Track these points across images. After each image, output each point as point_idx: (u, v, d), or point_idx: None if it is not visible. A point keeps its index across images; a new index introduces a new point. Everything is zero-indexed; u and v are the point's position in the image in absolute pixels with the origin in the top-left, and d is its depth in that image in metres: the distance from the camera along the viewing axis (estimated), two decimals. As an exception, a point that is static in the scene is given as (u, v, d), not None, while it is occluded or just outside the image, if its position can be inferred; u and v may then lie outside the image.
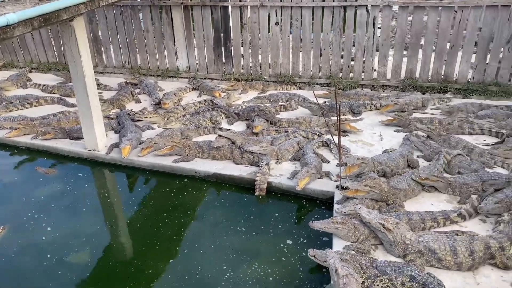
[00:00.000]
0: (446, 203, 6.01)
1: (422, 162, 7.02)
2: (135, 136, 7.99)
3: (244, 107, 9.57)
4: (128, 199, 7.12)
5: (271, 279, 5.16)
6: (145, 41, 12.19)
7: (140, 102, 10.50)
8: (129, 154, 7.61)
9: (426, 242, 4.82)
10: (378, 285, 4.44)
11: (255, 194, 6.72)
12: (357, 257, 4.64)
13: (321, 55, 10.91)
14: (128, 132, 8.11)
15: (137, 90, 11.11)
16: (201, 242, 5.88)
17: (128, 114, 9.23)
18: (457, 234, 5.10)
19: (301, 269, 5.29)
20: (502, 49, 9.64)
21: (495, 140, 7.73)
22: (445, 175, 6.51)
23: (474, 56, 9.97)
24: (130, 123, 8.57)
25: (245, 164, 7.31)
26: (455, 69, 10.11)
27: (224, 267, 5.38)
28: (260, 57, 11.46)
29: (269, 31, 11.10)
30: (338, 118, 6.29)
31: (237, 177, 7.04)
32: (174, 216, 6.52)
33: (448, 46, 9.96)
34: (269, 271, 5.28)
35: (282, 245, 5.74)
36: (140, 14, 12.03)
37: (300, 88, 11.06)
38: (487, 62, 9.83)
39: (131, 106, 10.24)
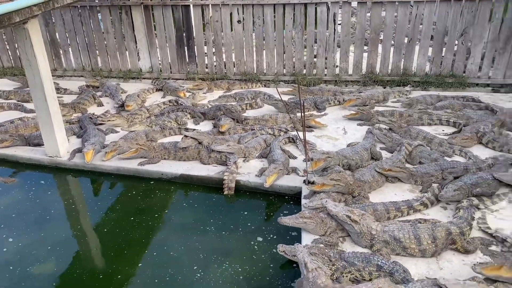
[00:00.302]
0: (409, 192, 6.20)
1: (385, 154, 7.21)
2: (98, 140, 7.80)
3: (209, 106, 9.53)
4: (93, 205, 6.94)
5: (241, 277, 5.17)
6: (105, 42, 11.91)
7: (103, 105, 10.26)
8: (93, 159, 7.42)
9: (391, 232, 4.95)
10: (346, 276, 4.55)
11: (224, 193, 6.71)
12: (326, 250, 4.72)
13: (284, 53, 11.02)
14: (91, 137, 7.91)
15: (99, 93, 10.84)
16: (170, 245, 5.82)
17: (90, 118, 9.00)
18: (420, 222, 5.28)
19: (271, 265, 5.33)
20: (456, 42, 10.03)
21: (453, 129, 8.05)
22: (407, 165, 6.73)
23: (430, 49, 10.33)
24: (92, 127, 8.36)
25: (212, 163, 7.28)
26: (414, 63, 10.46)
27: (195, 268, 5.35)
28: (224, 55, 11.44)
29: (232, 30, 11.09)
30: (303, 114, 6.36)
31: (205, 177, 7.00)
32: (142, 219, 6.41)
33: (406, 40, 10.27)
34: (240, 269, 5.28)
35: (252, 242, 5.76)
36: (99, 15, 11.74)
37: (265, 86, 11.13)
38: (443, 55, 10.22)
39: (93, 109, 9.99)
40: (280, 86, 11.07)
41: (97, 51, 12.10)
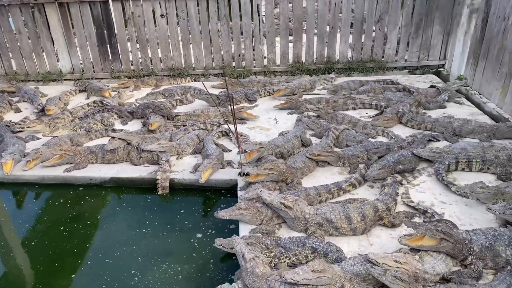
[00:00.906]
0: (338, 175, 6.46)
1: (314, 140, 7.44)
2: (18, 149, 7.27)
3: (137, 105, 9.23)
4: (18, 217, 6.47)
5: (180, 276, 5.10)
6: (18, 44, 11.07)
7: (21, 111, 9.55)
8: (13, 170, 6.90)
9: (323, 214, 5.13)
10: (284, 261, 4.67)
11: (158, 193, 6.57)
12: (263, 239, 4.79)
13: (211, 46, 10.94)
14: (9, 146, 7.35)
15: (15, 99, 10.09)
16: (105, 251, 5.60)
17: (7, 125, 8.34)
18: (349, 202, 5.52)
19: (211, 261, 5.32)
20: (374, 28, 10.57)
21: (375, 112, 8.50)
22: (335, 149, 7.01)
23: (351, 37, 10.79)
24: (10, 136, 7.75)
25: (144, 164, 7.08)
26: (336, 50, 10.87)
27: (133, 272, 5.20)
28: (149, 51, 11.13)
29: (155, 25, 10.80)
30: (233, 107, 6.38)
31: (137, 178, 6.79)
32: (73, 228, 6.10)
33: (328, 29, 10.64)
34: (179, 269, 5.21)
35: (192, 240, 5.70)
36: (9, 15, 10.85)
37: (195, 80, 11.00)
38: (363, 41, 10.72)
39: (10, 116, 9.28)
40: (211, 80, 11.02)
41: (10, 54, 11.22)
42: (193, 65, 11.18)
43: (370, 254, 4.20)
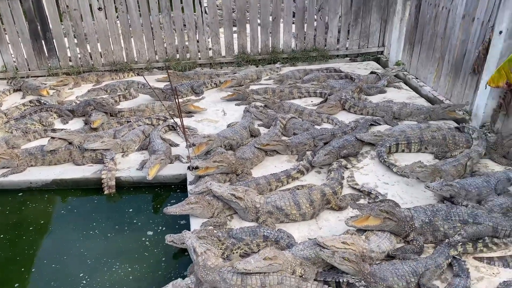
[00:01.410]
0: (287, 163, 6.57)
1: (262, 130, 7.51)
2: None
3: (78, 102, 8.82)
4: (-51, 231, 6.03)
5: (131, 277, 4.98)
6: None
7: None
8: None
9: (273, 202, 5.20)
10: (236, 252, 4.70)
11: (105, 193, 6.35)
12: (214, 231, 4.78)
13: (154, 39, 10.67)
14: None
15: None
16: (51, 257, 5.35)
17: None
18: (298, 189, 5.64)
19: (163, 258, 5.24)
20: (315, 17, 10.77)
21: (320, 100, 8.70)
22: (283, 138, 7.11)
23: (294, 26, 10.92)
24: None
25: (88, 163, 6.81)
26: (280, 40, 10.97)
27: (81, 275, 5.01)
28: (88, 46, 10.65)
29: (93, 18, 10.35)
30: (177, 101, 6.27)
31: (80, 179, 6.52)
32: (14, 235, 5.77)
33: (271, 19, 10.70)
34: (129, 269, 5.09)
35: (143, 238, 5.58)
36: None
37: (138, 75, 10.68)
38: (305, 31, 10.89)
39: None
40: (155, 73, 10.77)
41: None
42: (136, 59, 10.85)
43: (319, 238, 4.32)
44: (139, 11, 10.32)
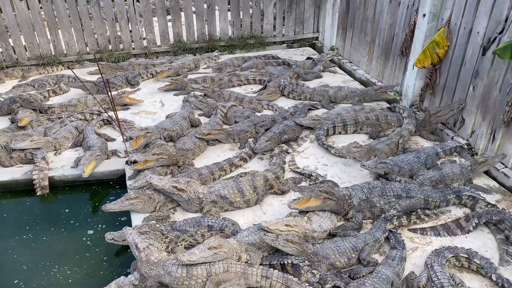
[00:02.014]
0: (229, 151, 6.55)
1: (203, 119, 7.42)
2: None
3: (2, 100, 8.18)
4: None
5: (70, 280, 4.75)
6: None
7: None
8: None
9: (217, 191, 5.17)
10: (181, 244, 4.63)
11: (37, 194, 5.98)
12: (157, 225, 4.67)
13: (83, 29, 10.11)
14: None
15: None
16: (-20, 267, 4.98)
17: None
18: (241, 176, 5.65)
19: (105, 258, 5.05)
20: (250, 4, 10.74)
21: (259, 87, 8.74)
22: (224, 126, 7.08)
23: (229, 13, 10.82)
24: None
25: (16, 164, 6.36)
26: (217, 28, 10.83)
27: (15, 282, 4.71)
28: (10, 39, 9.88)
29: (13, 9, 9.59)
30: (110, 93, 6.01)
31: (9, 181, 6.08)
32: None
33: (205, 6, 10.52)
34: (69, 272, 4.85)
35: (84, 238, 5.34)
36: None
37: (68, 68, 10.08)
38: (241, 18, 10.84)
39: None
40: (86, 66, 10.24)
41: None
42: (65, 52, 10.23)
43: (262, 223, 4.36)
44: (65, 0, 9.71)
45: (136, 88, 8.65)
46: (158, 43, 10.71)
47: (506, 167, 5.65)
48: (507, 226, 4.62)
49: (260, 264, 4.24)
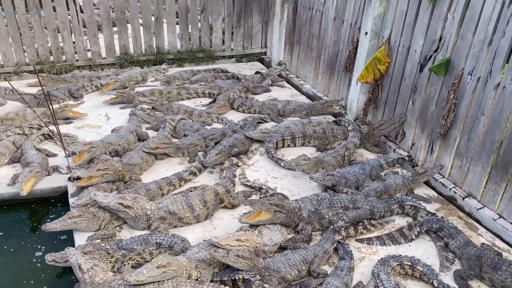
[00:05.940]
0: (178, 165, 6.43)
1: (151, 133, 7.25)
2: None
3: None
4: None
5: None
6: None
7: None
8: None
9: (165, 207, 5.04)
10: (128, 263, 4.45)
11: (-33, 216, 5.54)
12: (102, 244, 4.45)
13: (22, 40, 9.60)
14: None
15: None
16: None
17: None
18: (191, 191, 5.56)
19: (43, 282, 4.72)
20: (199, 18, 10.75)
21: (209, 100, 8.71)
22: (174, 140, 6.96)
23: (178, 27, 10.76)
24: None
25: None
26: (165, 41, 10.72)
27: None
28: None
29: None
30: (51, 106, 5.72)
31: None
32: None
33: (153, 19, 10.39)
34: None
35: (29, 261, 4.95)
36: None
37: (5, 80, 9.50)
38: (190, 31, 10.81)
39: None
40: (26, 77, 9.71)
41: None
42: (1, 62, 9.66)
43: (213, 238, 4.29)
44: (2, 9, 9.20)
45: (79, 101, 8.29)
46: (104, 55, 10.40)
47: (443, 177, 6.00)
48: (446, 233, 4.88)
49: (211, 281, 4.16)
